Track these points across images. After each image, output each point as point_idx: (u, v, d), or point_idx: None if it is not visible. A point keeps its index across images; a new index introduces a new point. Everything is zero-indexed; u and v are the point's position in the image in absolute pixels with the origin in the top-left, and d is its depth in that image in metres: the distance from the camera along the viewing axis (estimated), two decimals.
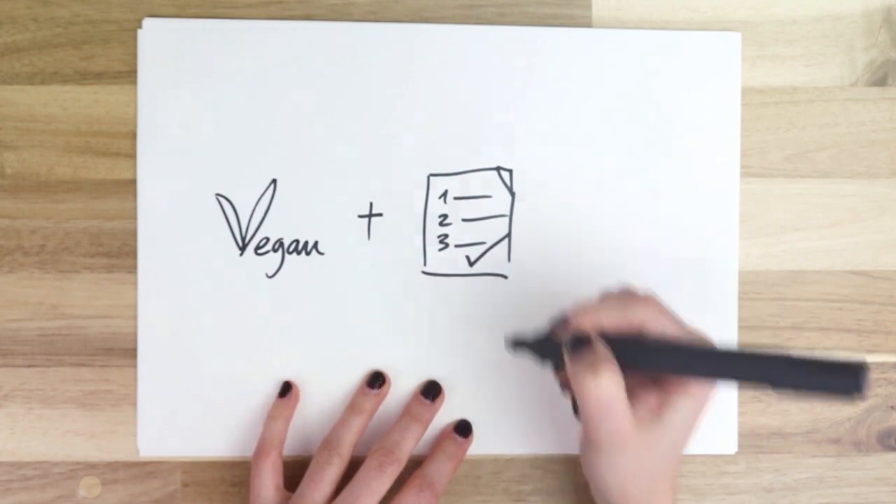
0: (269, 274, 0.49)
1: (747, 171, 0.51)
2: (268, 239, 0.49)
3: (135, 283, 0.49)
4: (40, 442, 0.49)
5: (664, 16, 0.50)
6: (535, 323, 0.49)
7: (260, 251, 0.49)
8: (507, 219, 0.50)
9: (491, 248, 0.50)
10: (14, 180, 0.49)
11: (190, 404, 0.49)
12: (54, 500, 0.49)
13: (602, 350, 0.41)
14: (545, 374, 0.49)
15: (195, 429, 0.49)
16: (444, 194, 0.50)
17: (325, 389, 0.49)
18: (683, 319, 0.42)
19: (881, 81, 0.51)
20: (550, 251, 0.50)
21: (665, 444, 0.41)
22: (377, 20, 0.50)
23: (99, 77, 0.50)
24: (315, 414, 0.49)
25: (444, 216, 0.50)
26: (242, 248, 0.49)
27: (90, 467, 0.50)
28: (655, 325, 0.42)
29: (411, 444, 0.47)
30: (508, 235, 0.50)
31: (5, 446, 0.49)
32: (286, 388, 0.49)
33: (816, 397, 0.38)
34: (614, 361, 0.40)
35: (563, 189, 0.50)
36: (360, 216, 0.50)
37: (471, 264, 0.50)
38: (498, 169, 0.50)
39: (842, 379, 0.36)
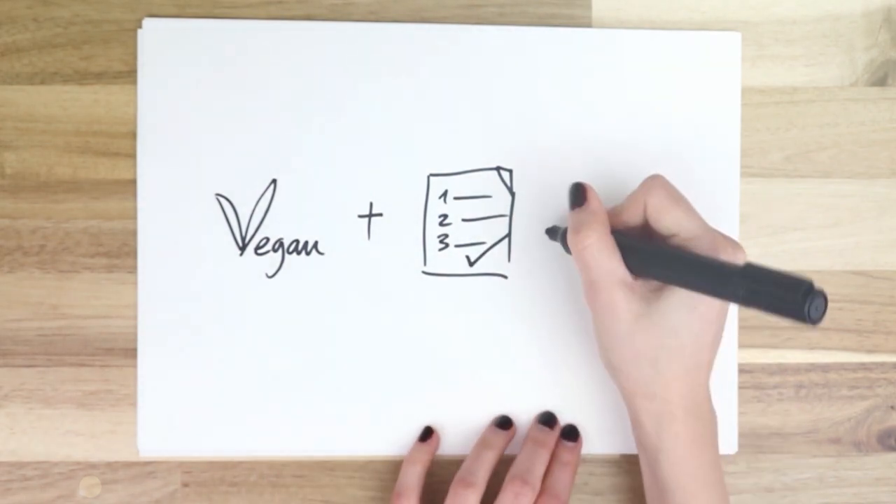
0: (269, 274, 0.49)
1: (747, 171, 0.51)
2: (268, 239, 0.49)
3: (135, 283, 0.49)
4: (40, 442, 0.49)
5: (664, 16, 0.50)
6: (535, 323, 0.49)
7: (260, 251, 0.49)
8: (507, 219, 0.50)
9: (491, 248, 0.50)
10: (14, 180, 0.49)
11: (190, 404, 0.49)
12: (54, 500, 0.49)
13: (595, 207, 0.42)
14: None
15: (195, 429, 0.49)
16: (444, 194, 0.50)
17: (326, 389, 0.49)
18: (687, 204, 0.43)
19: (881, 81, 0.51)
20: (550, 251, 0.50)
21: (664, 325, 0.41)
22: (377, 20, 0.50)
23: (99, 77, 0.50)
24: (319, 414, 0.49)
25: (444, 216, 0.50)
26: (242, 248, 0.49)
27: (90, 467, 0.50)
28: (655, 204, 0.42)
29: (542, 468, 0.47)
30: (508, 235, 0.50)
31: (5, 446, 0.49)
32: (427, 433, 0.49)
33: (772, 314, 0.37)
34: (604, 222, 0.42)
35: (563, 189, 0.50)
36: (360, 216, 0.50)
37: (471, 264, 0.50)
38: (498, 169, 0.50)
39: (794, 298, 0.36)
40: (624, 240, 0.43)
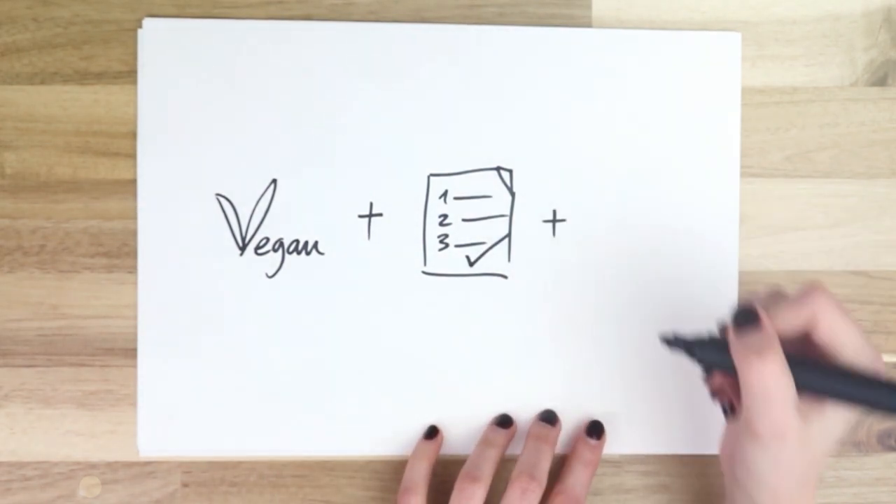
0: (269, 274, 0.49)
1: (747, 171, 0.51)
2: (268, 239, 0.49)
3: (135, 283, 0.49)
4: (40, 442, 0.49)
5: (664, 16, 0.50)
6: (535, 323, 0.49)
7: (260, 251, 0.49)
8: (507, 219, 0.50)
9: (491, 248, 0.50)
10: (14, 180, 0.49)
11: (190, 404, 0.49)
12: (54, 500, 0.49)
13: (771, 331, 0.39)
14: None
15: (195, 429, 0.49)
16: (444, 194, 0.50)
17: (326, 389, 0.49)
18: (853, 320, 0.41)
19: (881, 81, 0.51)
20: (550, 251, 0.50)
21: (823, 439, 0.40)
22: (377, 20, 0.50)
23: (99, 77, 0.50)
24: (319, 414, 0.49)
25: (444, 216, 0.50)
26: (242, 248, 0.49)
27: (90, 467, 0.50)
28: (827, 323, 0.40)
29: (547, 463, 0.47)
30: (508, 235, 0.50)
31: (5, 446, 0.49)
32: (432, 432, 0.49)
33: None
34: (779, 347, 0.39)
35: (562, 189, 0.50)
36: (360, 216, 0.50)
37: (471, 264, 0.50)
38: (498, 169, 0.50)
39: None
40: (793, 356, 0.40)
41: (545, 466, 0.47)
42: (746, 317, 0.40)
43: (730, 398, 0.44)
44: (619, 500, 0.50)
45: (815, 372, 0.40)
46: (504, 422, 0.49)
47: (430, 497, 0.47)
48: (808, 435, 0.40)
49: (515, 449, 0.49)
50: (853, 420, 0.41)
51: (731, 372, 0.40)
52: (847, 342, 0.40)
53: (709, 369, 0.43)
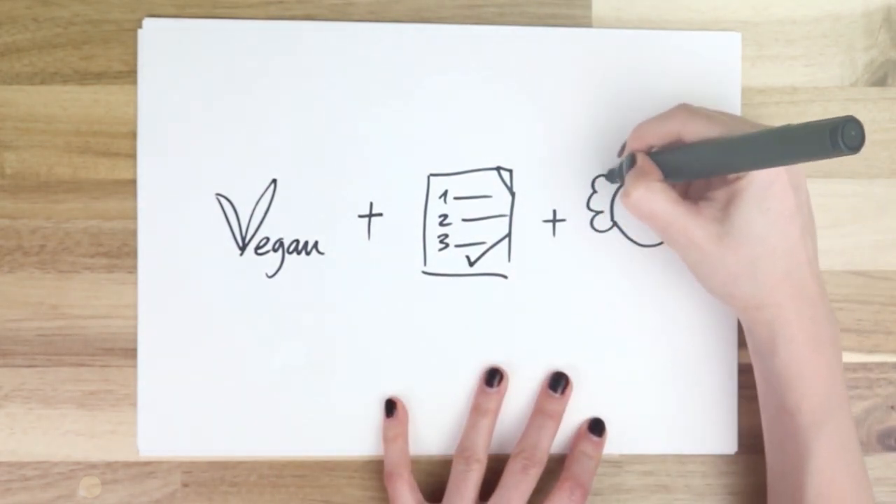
0: (269, 274, 0.49)
1: None
2: (268, 239, 0.49)
3: (135, 283, 0.49)
4: (40, 442, 0.49)
5: (664, 16, 0.50)
6: (535, 323, 0.49)
7: (260, 251, 0.49)
8: (507, 219, 0.50)
9: (491, 248, 0.50)
10: (14, 180, 0.49)
11: (190, 404, 0.49)
12: (54, 500, 0.49)
13: (642, 164, 0.43)
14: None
15: (195, 429, 0.49)
16: (444, 194, 0.50)
17: (326, 389, 0.49)
18: (719, 113, 0.43)
19: (881, 81, 0.51)
20: (550, 251, 0.50)
21: (746, 236, 0.41)
22: (377, 20, 0.50)
23: (99, 77, 0.50)
24: (319, 414, 0.49)
25: (444, 216, 0.50)
26: (242, 248, 0.49)
27: (90, 467, 0.50)
28: (690, 129, 0.42)
29: (548, 442, 0.48)
30: (508, 235, 0.50)
31: (5, 446, 0.49)
32: (391, 407, 0.49)
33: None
34: (654, 172, 0.42)
35: (562, 189, 0.50)
36: (360, 216, 0.50)
37: (471, 264, 0.50)
38: (498, 169, 0.50)
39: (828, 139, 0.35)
40: (662, 155, 0.43)
41: (546, 445, 0.48)
42: (629, 163, 0.44)
43: None
44: (619, 500, 0.50)
45: (682, 160, 0.43)
46: (493, 378, 0.49)
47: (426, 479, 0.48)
48: (725, 234, 0.41)
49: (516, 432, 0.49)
50: (772, 201, 0.41)
51: None
52: (713, 131, 0.42)
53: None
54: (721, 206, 0.42)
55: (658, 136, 0.44)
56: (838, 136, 0.35)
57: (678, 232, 0.42)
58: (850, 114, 0.36)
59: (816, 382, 0.43)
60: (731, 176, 0.42)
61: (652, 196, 0.42)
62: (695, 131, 0.42)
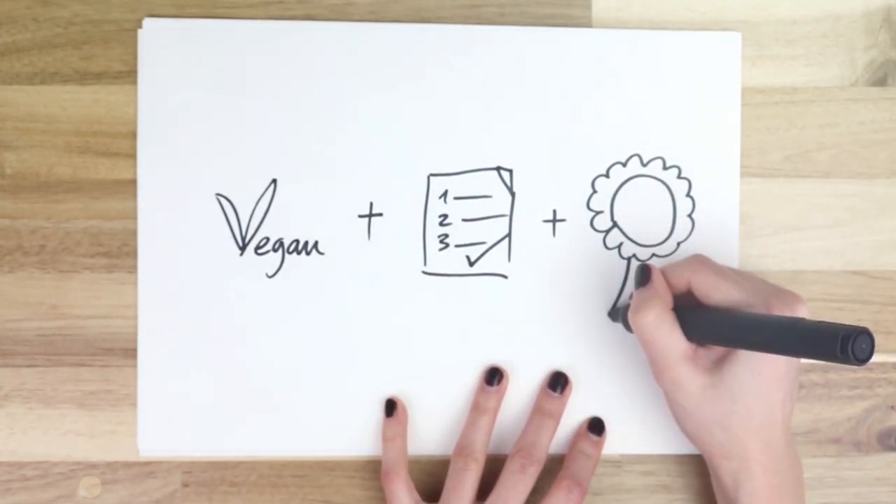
0: (269, 274, 0.49)
1: (747, 171, 0.51)
2: (268, 239, 0.49)
3: (135, 283, 0.49)
4: (40, 442, 0.49)
5: (664, 16, 0.50)
6: (535, 323, 0.49)
7: (260, 251, 0.49)
8: (507, 219, 0.50)
9: (491, 248, 0.50)
10: (14, 180, 0.49)
11: (190, 404, 0.49)
12: (54, 500, 0.49)
13: (657, 287, 0.43)
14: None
15: (195, 429, 0.49)
16: (444, 194, 0.50)
17: (326, 389, 0.49)
18: (731, 270, 0.44)
19: (881, 81, 0.51)
20: (550, 251, 0.50)
21: (732, 391, 0.42)
22: (377, 20, 0.50)
23: (99, 77, 0.50)
24: (319, 414, 0.49)
25: (444, 216, 0.50)
26: (242, 248, 0.49)
27: (90, 467, 0.50)
28: (700, 279, 0.43)
29: (547, 441, 0.48)
30: (508, 235, 0.50)
31: (5, 446, 0.49)
32: (391, 406, 0.49)
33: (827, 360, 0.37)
34: (664, 299, 0.43)
35: (562, 189, 0.50)
36: (360, 216, 0.50)
37: (471, 264, 0.50)
38: (498, 169, 0.50)
39: (837, 346, 0.36)
40: (684, 310, 0.43)
41: (545, 444, 0.48)
42: (640, 274, 0.45)
43: None
44: (619, 500, 0.50)
45: (700, 321, 0.43)
46: (493, 377, 0.49)
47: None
48: (711, 385, 0.42)
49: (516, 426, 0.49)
50: (761, 369, 0.42)
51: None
52: (724, 300, 0.43)
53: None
54: (716, 358, 0.43)
55: (671, 281, 0.44)
56: (849, 346, 0.35)
57: (669, 369, 0.43)
58: (863, 325, 0.36)
59: None
60: None
61: (661, 327, 0.43)
62: (703, 283, 0.43)
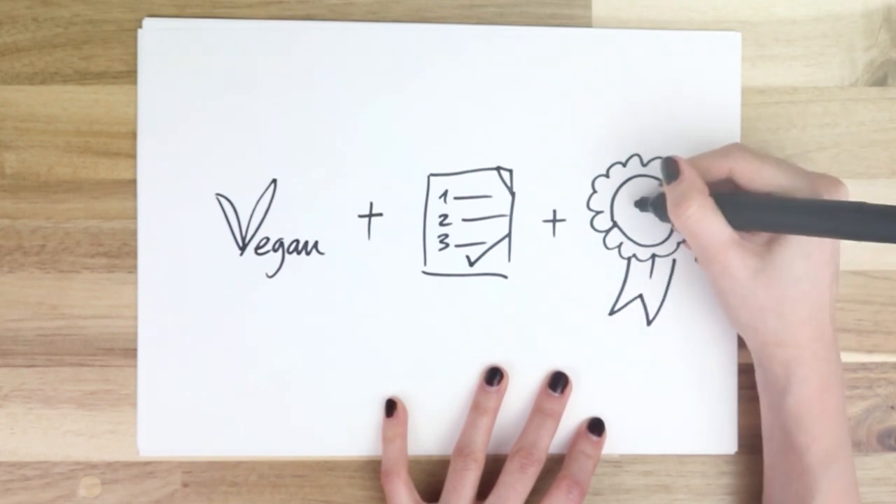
0: (269, 274, 0.49)
1: None
2: (268, 239, 0.49)
3: (135, 283, 0.49)
4: (40, 442, 0.49)
5: (664, 16, 0.50)
6: (535, 323, 0.49)
7: (260, 251, 0.49)
8: (507, 219, 0.50)
9: (491, 248, 0.50)
10: (14, 180, 0.49)
11: (190, 404, 0.49)
12: (54, 500, 0.49)
13: (690, 180, 0.43)
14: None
15: (195, 429, 0.49)
16: (444, 194, 0.50)
17: (326, 389, 0.49)
18: (774, 158, 0.44)
19: (881, 81, 0.51)
20: (550, 251, 0.50)
21: (783, 275, 0.42)
22: (377, 20, 0.50)
23: (99, 77, 0.50)
24: (319, 414, 0.49)
25: (444, 216, 0.50)
26: (242, 248, 0.49)
27: (90, 467, 0.50)
28: (743, 167, 0.43)
29: (547, 441, 0.48)
30: (508, 235, 0.50)
31: (5, 446, 0.49)
32: (391, 406, 0.49)
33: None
34: (703, 189, 0.43)
35: (562, 189, 0.50)
36: (360, 216, 0.50)
37: (471, 264, 0.50)
38: (498, 169, 0.50)
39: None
40: (724, 198, 0.43)
41: (545, 444, 0.48)
42: (669, 169, 0.44)
43: None
44: (619, 500, 0.50)
45: (744, 208, 0.43)
46: (493, 377, 0.49)
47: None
48: (762, 269, 0.42)
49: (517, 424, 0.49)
50: (810, 250, 0.42)
51: None
52: (767, 184, 0.43)
53: (665, 220, 0.46)
54: (764, 241, 0.43)
55: (710, 171, 0.44)
56: None
57: (718, 257, 0.43)
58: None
59: (826, 424, 0.44)
60: None
61: (705, 215, 0.42)
62: (746, 168, 0.43)
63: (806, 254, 0.42)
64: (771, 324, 0.43)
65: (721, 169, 0.44)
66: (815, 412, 0.44)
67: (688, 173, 0.43)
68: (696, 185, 0.43)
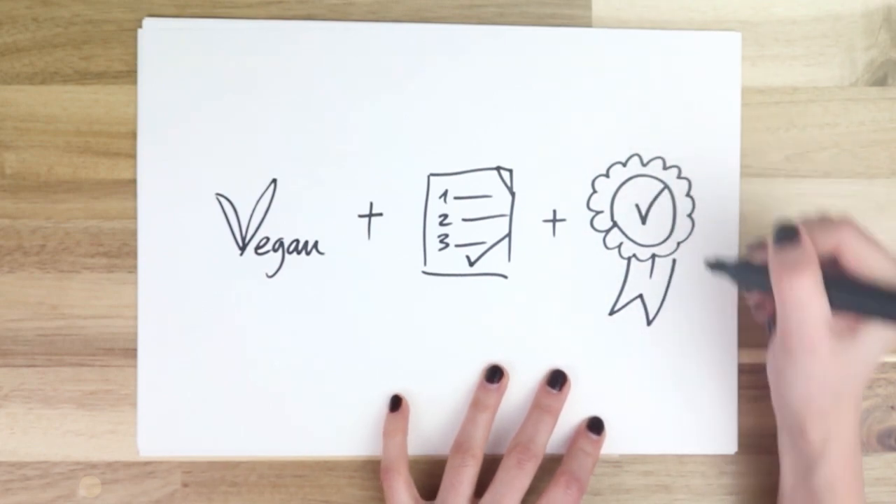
0: (269, 274, 0.49)
1: (747, 171, 0.51)
2: (268, 239, 0.49)
3: (135, 283, 0.49)
4: (40, 442, 0.49)
5: (664, 16, 0.50)
6: (535, 323, 0.49)
7: (260, 251, 0.49)
8: (507, 219, 0.50)
9: (491, 248, 0.50)
10: (14, 180, 0.50)
11: (190, 404, 0.49)
12: (54, 500, 0.49)
13: (809, 248, 0.41)
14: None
15: (195, 429, 0.49)
16: (444, 194, 0.50)
17: (326, 389, 0.49)
18: (882, 244, 0.42)
19: (881, 81, 0.51)
20: (550, 251, 0.50)
21: (857, 360, 0.42)
22: (377, 20, 0.50)
23: (99, 77, 0.50)
24: (319, 414, 0.49)
25: (444, 216, 0.50)
26: (242, 248, 0.49)
27: (90, 467, 0.50)
28: (853, 247, 0.42)
29: (545, 437, 0.48)
30: (508, 235, 0.50)
31: (5, 446, 0.49)
32: (396, 402, 0.49)
33: None
34: (817, 264, 0.41)
35: (562, 189, 0.50)
36: (360, 216, 0.50)
37: (471, 264, 0.50)
38: (498, 169, 0.50)
39: None
40: (829, 276, 0.41)
41: (543, 440, 0.48)
42: (787, 233, 0.42)
43: (771, 313, 0.45)
44: (619, 500, 0.50)
45: (849, 291, 0.41)
46: (493, 375, 0.49)
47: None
48: (841, 352, 0.41)
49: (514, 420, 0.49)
50: (890, 341, 0.42)
51: (767, 291, 0.42)
52: (874, 266, 0.42)
53: (749, 288, 0.45)
54: (850, 322, 0.42)
55: (816, 243, 0.42)
56: None
57: (812, 333, 0.41)
58: None
59: (854, 487, 0.44)
60: None
61: (816, 291, 0.40)
62: (855, 250, 0.42)
63: (886, 342, 0.42)
64: (826, 401, 0.42)
65: (828, 242, 0.42)
66: (848, 479, 0.44)
67: (807, 241, 0.41)
68: (813, 256, 0.41)
